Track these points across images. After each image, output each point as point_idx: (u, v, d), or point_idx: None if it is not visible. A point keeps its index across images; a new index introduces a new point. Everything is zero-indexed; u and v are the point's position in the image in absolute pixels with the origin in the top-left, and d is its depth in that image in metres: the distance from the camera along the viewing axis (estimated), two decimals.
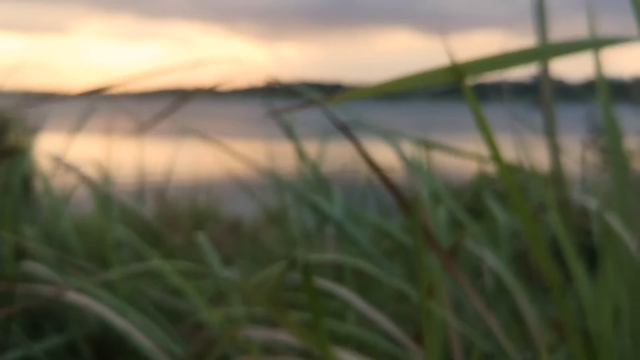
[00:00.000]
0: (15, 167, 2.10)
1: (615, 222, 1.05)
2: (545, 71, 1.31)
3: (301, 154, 1.94)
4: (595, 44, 0.90)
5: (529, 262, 1.63)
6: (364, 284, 1.69)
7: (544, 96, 1.30)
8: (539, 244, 0.95)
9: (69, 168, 1.99)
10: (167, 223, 2.84)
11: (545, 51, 0.90)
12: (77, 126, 2.35)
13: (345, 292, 1.04)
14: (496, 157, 0.89)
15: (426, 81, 0.81)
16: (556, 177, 1.31)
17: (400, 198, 0.96)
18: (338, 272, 1.74)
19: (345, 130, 0.88)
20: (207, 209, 4.06)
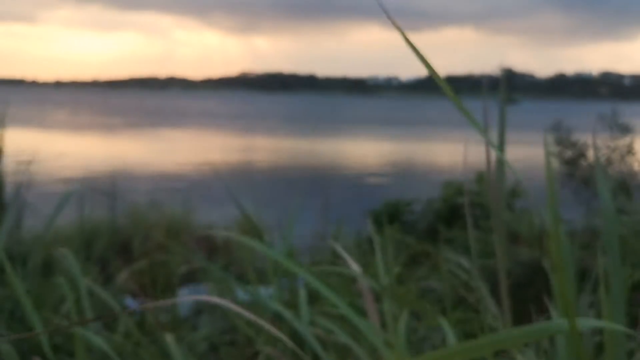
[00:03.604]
0: None
1: None
2: (498, 67, 1.29)
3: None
4: (534, 333, 0.88)
5: None
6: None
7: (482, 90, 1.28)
8: None
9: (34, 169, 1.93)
10: (140, 234, 2.77)
11: (496, 342, 0.86)
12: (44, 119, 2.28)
13: None
14: None
15: None
16: (495, 179, 1.29)
17: None
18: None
19: None
20: (180, 217, 3.97)
